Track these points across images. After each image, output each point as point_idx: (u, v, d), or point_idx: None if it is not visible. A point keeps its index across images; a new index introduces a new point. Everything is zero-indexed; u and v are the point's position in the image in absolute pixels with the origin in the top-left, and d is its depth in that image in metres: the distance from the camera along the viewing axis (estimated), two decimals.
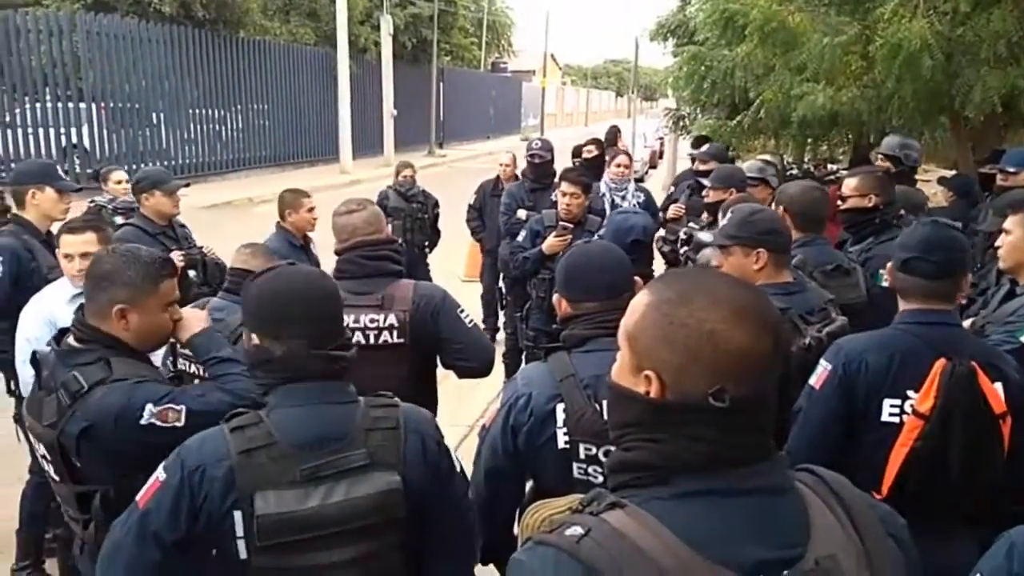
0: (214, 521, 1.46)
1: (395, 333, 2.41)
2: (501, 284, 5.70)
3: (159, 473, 1.51)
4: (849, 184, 3.31)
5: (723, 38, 6.33)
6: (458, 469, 1.65)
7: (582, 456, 1.71)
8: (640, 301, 1.01)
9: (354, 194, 2.70)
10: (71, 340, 1.94)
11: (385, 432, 1.53)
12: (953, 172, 5.79)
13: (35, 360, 1.97)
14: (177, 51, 15.89)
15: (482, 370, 2.51)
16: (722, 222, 2.66)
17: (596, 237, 3.47)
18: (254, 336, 1.58)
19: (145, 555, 1.46)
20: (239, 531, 1.45)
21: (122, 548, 1.48)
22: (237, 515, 1.45)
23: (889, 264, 2.07)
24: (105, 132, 14.46)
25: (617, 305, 1.80)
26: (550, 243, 4.03)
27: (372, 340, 2.39)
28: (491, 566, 2.04)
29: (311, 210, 4.26)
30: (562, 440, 1.72)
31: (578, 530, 0.90)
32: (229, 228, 4.86)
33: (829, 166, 9.12)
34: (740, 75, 6.01)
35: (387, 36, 21.31)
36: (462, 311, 2.53)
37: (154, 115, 15.59)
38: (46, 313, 2.79)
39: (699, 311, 0.93)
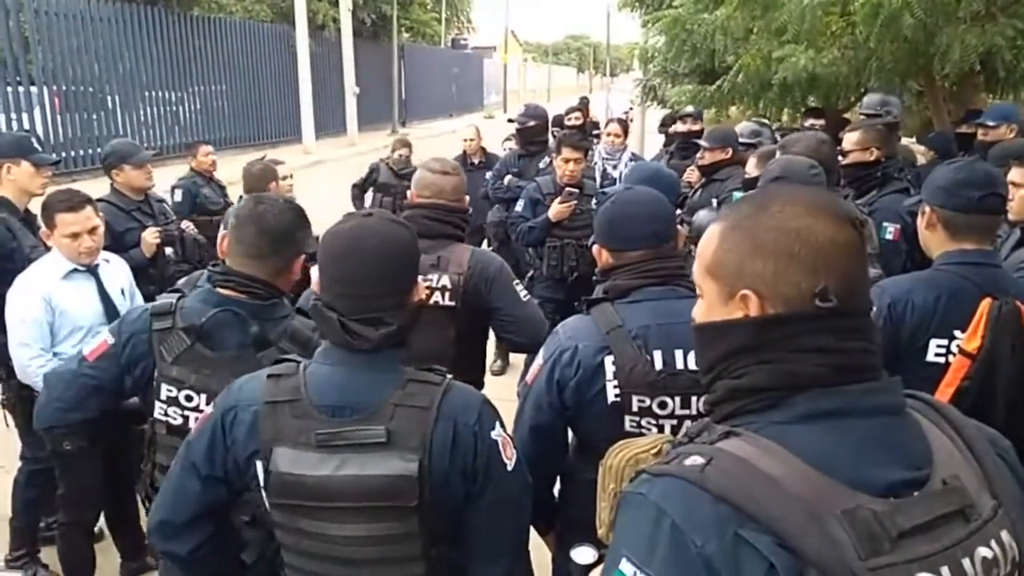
0: (241, 465, 1.45)
1: (447, 295, 2.36)
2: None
3: (211, 406, 1.51)
4: (851, 138, 3.31)
5: (700, 2, 6.30)
6: (511, 466, 1.46)
7: (635, 408, 1.67)
8: (713, 232, 0.99)
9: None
10: (241, 297, 1.82)
11: (413, 411, 1.38)
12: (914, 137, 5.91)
13: (193, 328, 1.80)
14: (130, 31, 15.30)
15: (531, 346, 2.36)
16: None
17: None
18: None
19: (187, 484, 1.49)
20: (261, 481, 1.43)
21: (171, 474, 1.52)
22: (259, 464, 1.42)
23: (926, 207, 1.97)
24: (58, 117, 13.89)
25: (660, 254, 1.77)
26: (557, 210, 3.95)
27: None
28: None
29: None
30: (612, 393, 1.67)
31: (699, 459, 0.85)
32: None
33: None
34: (720, 39, 5.97)
35: (346, 12, 20.86)
36: (518, 283, 2.46)
37: (108, 98, 15.00)
38: (41, 292, 2.67)
39: (778, 214, 0.92)
